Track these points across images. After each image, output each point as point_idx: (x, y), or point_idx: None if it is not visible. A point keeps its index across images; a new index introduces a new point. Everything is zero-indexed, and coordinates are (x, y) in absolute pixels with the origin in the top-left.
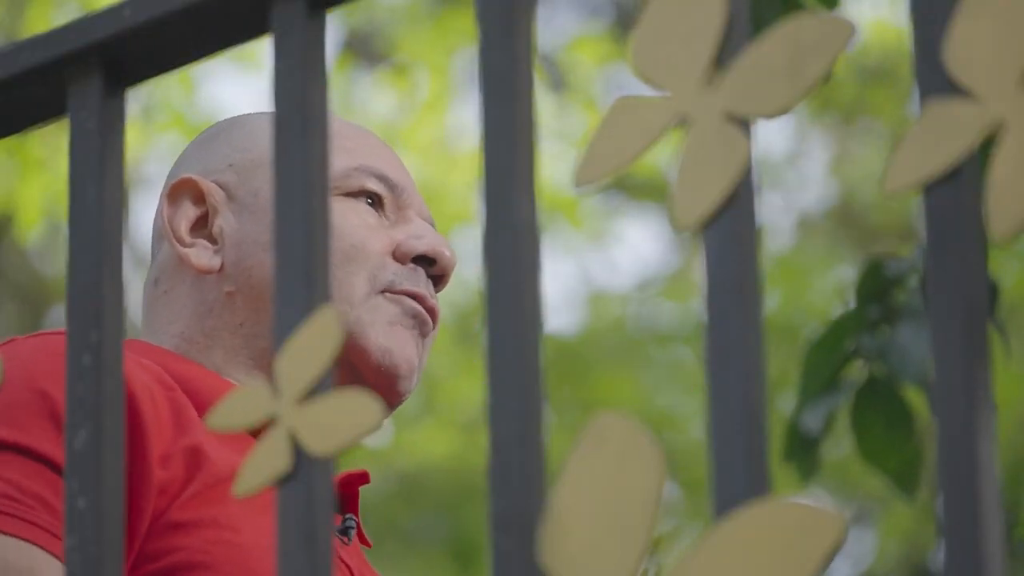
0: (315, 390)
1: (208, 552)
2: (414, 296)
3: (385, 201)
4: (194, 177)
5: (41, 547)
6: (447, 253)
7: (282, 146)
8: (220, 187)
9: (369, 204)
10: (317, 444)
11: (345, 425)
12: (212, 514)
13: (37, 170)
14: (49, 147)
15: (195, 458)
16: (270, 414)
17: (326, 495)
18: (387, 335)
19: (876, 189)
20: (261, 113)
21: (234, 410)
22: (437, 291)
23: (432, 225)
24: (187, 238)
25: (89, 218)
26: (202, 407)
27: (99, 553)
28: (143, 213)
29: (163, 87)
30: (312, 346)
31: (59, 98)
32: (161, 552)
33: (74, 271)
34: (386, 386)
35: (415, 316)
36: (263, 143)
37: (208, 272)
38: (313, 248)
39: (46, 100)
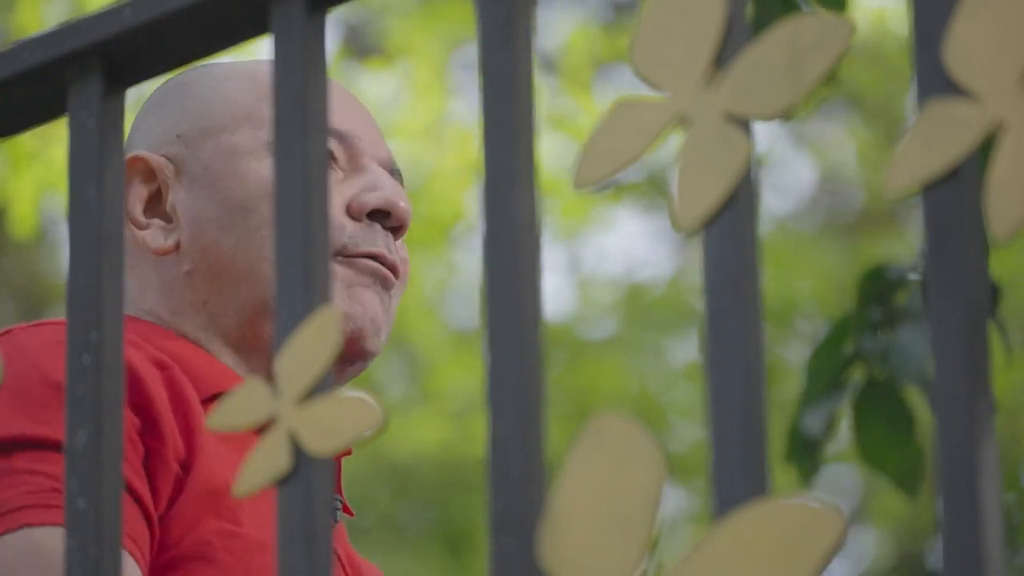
0: (315, 390)
1: (209, 543)
2: (372, 256)
3: (335, 153)
4: (142, 155)
5: None
6: (401, 204)
7: (282, 146)
8: (169, 160)
9: None
10: (317, 444)
11: (345, 425)
12: (213, 504)
13: (28, 164)
14: (40, 140)
15: (193, 442)
16: (270, 414)
17: (326, 495)
18: (347, 300)
19: (859, 171)
20: (211, 67)
21: (234, 410)
22: (396, 239)
23: (392, 165)
24: (142, 219)
25: (89, 218)
26: (198, 386)
27: (99, 553)
28: None
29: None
30: (312, 346)
31: (59, 98)
32: (167, 543)
33: (74, 271)
34: (354, 346)
35: (373, 274)
36: (212, 108)
37: (165, 253)
38: (313, 248)
39: (46, 100)
